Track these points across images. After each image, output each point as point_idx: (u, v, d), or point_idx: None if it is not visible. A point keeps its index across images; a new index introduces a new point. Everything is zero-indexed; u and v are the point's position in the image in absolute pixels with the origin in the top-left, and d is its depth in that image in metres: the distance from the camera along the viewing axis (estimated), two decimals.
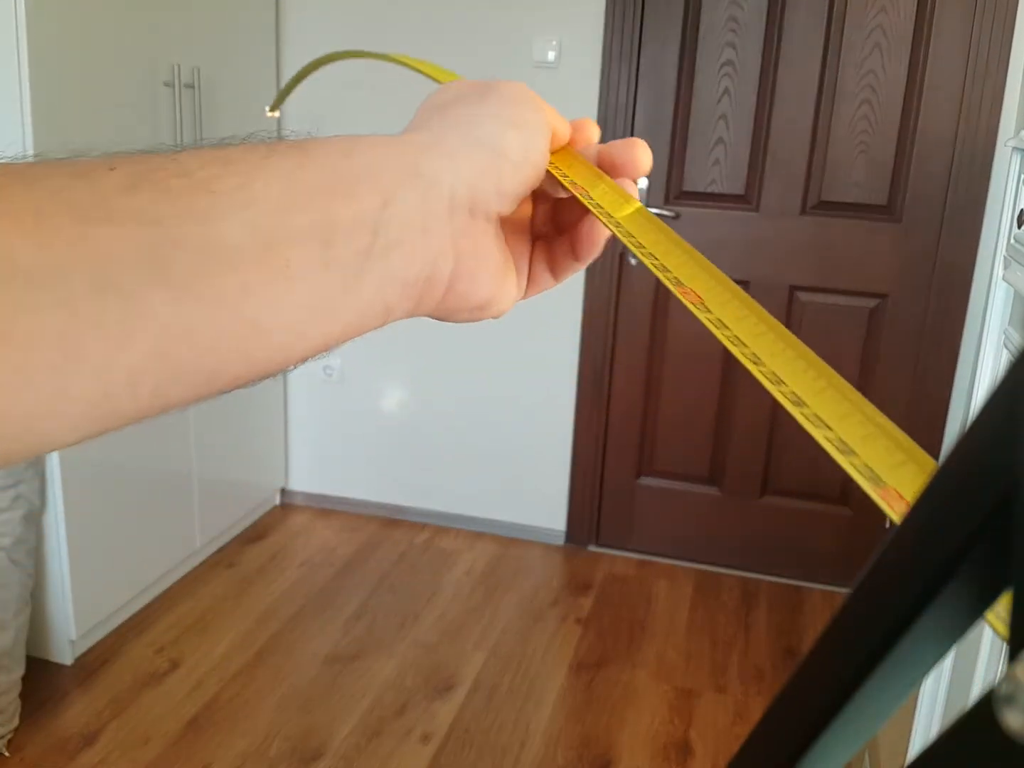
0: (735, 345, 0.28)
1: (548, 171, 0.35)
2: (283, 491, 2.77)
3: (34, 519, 1.81)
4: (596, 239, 0.36)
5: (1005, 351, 1.22)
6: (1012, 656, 0.12)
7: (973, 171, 2.13)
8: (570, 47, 2.27)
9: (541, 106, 0.34)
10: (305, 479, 2.76)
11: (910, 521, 0.15)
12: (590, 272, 2.39)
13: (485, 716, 1.87)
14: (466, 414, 2.57)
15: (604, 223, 0.33)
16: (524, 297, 0.36)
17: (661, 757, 1.79)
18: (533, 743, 1.81)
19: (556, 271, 0.37)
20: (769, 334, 0.28)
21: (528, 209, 0.37)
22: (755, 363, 0.27)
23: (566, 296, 2.42)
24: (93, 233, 0.22)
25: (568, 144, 0.36)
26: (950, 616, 0.14)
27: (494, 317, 0.35)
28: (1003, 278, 1.22)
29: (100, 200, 0.22)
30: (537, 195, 0.36)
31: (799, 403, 0.25)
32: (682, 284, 0.31)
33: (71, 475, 1.84)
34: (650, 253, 0.32)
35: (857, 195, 2.22)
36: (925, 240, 2.21)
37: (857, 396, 0.25)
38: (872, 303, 2.27)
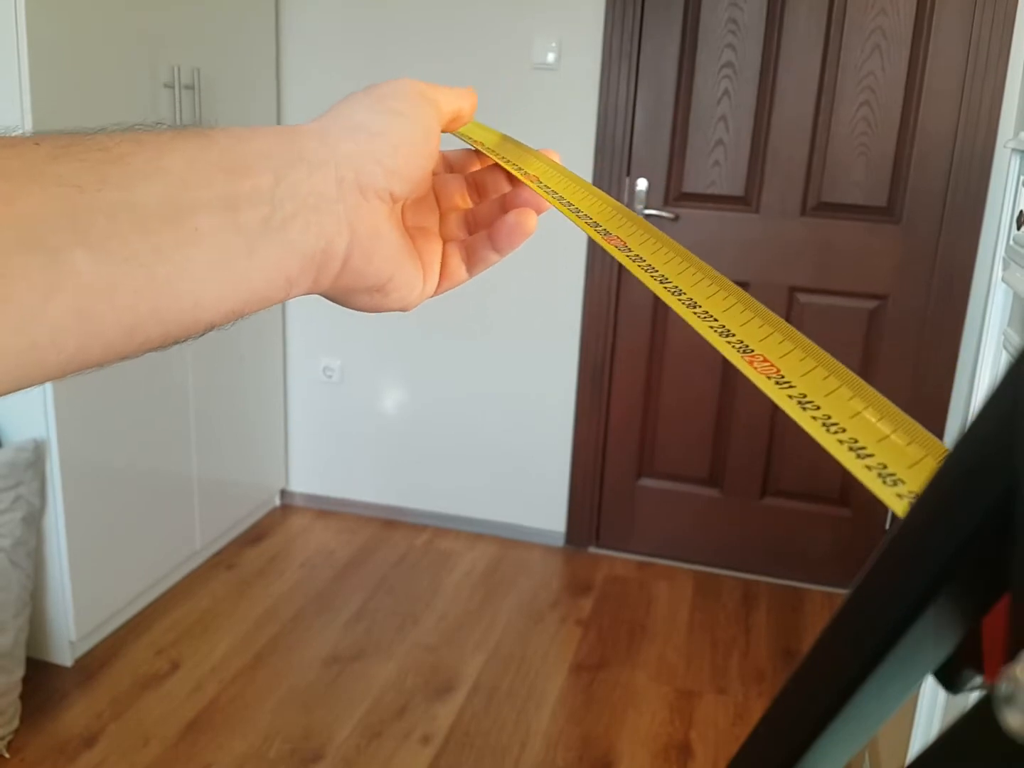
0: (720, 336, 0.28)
1: (501, 166, 0.39)
2: (283, 492, 2.77)
3: (34, 520, 1.81)
4: (517, 237, 0.38)
5: (1004, 352, 1.22)
6: (1012, 656, 0.12)
7: (973, 172, 2.13)
8: (570, 47, 2.27)
9: (424, 98, 0.36)
10: (305, 480, 2.76)
11: (910, 521, 0.15)
12: (590, 272, 2.39)
13: (485, 718, 1.87)
14: (466, 415, 2.57)
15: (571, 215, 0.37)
16: (437, 293, 0.39)
17: (661, 758, 1.79)
18: (533, 744, 1.81)
19: (472, 265, 0.39)
20: (767, 327, 0.28)
21: (435, 218, 0.39)
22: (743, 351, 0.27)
23: (566, 296, 2.42)
24: (22, 194, 0.24)
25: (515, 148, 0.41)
26: (950, 616, 0.14)
27: (400, 310, 0.37)
28: (1002, 279, 1.22)
29: (27, 167, 0.24)
30: (447, 205, 0.39)
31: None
32: (625, 245, 0.34)
33: (71, 476, 1.84)
34: (596, 224, 0.36)
35: (857, 196, 2.22)
36: (925, 241, 2.21)
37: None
38: (872, 304, 2.27)
